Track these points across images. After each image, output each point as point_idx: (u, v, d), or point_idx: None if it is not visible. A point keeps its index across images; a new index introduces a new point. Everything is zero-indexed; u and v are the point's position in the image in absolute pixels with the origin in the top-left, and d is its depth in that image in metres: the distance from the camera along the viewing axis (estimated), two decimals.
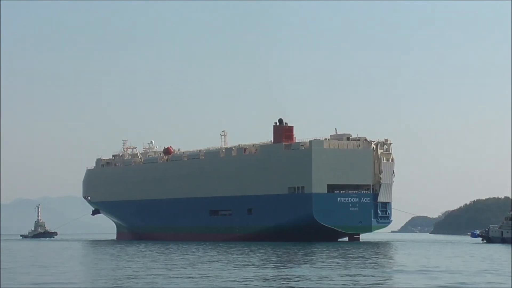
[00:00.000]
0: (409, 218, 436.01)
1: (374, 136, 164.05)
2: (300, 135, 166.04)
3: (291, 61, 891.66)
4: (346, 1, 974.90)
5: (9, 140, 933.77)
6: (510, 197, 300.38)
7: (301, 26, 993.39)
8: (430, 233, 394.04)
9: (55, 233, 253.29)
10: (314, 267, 67.18)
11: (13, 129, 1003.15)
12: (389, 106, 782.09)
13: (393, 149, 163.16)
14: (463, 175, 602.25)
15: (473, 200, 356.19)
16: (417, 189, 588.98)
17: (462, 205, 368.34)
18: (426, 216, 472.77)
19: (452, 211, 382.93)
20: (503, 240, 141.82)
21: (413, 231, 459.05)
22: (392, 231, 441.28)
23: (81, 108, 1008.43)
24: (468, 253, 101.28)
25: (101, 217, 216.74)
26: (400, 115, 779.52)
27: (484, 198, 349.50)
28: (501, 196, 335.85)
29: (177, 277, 56.86)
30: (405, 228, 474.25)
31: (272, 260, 78.37)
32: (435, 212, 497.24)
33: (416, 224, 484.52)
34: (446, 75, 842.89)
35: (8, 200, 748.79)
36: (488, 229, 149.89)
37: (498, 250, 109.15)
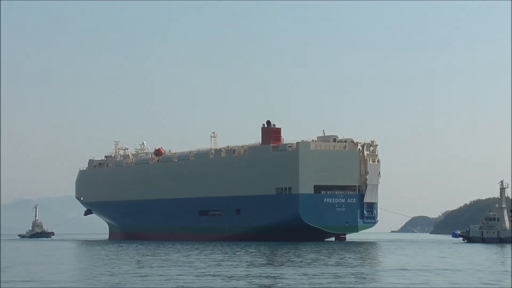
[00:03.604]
0: (409, 218, 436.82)
1: (363, 137, 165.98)
2: (288, 137, 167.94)
3: (280, 63, 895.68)
4: (334, 2, 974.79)
5: (9, 140, 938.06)
6: (510, 197, 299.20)
7: (289, 28, 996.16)
8: (430, 233, 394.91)
9: (52, 233, 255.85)
10: (273, 267, 68.98)
11: (13, 129, 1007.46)
12: (384, 107, 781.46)
13: (379, 150, 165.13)
14: (463, 175, 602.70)
15: (473, 200, 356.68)
16: (417, 190, 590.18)
17: (462, 205, 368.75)
18: (426, 216, 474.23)
19: (452, 211, 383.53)
20: (483, 240, 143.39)
21: (413, 231, 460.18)
22: (392, 231, 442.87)
23: (76, 109, 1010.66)
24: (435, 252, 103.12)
25: (97, 217, 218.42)
26: (396, 116, 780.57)
27: (484, 198, 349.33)
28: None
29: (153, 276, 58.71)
30: (405, 228, 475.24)
31: (245, 260, 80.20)
32: (435, 212, 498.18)
33: (416, 224, 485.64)
34: (439, 74, 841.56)
35: (8, 200, 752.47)
36: (469, 229, 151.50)
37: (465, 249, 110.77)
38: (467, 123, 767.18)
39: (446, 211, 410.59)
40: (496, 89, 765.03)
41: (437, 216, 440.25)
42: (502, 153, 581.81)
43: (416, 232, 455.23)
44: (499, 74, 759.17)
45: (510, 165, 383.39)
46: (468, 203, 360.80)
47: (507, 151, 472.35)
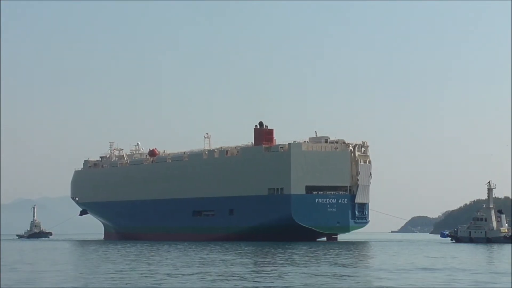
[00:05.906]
0: (407, 220, 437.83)
1: (354, 139, 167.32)
2: (280, 138, 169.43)
3: (273, 64, 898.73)
4: (326, 2, 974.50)
5: (9, 140, 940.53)
6: (510, 197, 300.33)
7: (282, 29, 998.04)
8: (430, 233, 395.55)
9: (50, 233, 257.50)
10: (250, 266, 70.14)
11: (12, 129, 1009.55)
12: (376, 108, 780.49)
13: (371, 151, 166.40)
14: (463, 175, 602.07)
15: (473, 200, 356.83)
16: (416, 190, 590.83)
17: (462, 205, 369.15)
18: (426, 216, 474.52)
19: (452, 211, 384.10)
20: (471, 240, 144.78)
21: (413, 231, 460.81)
22: (392, 231, 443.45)
23: (74, 110, 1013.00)
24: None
25: (93, 217, 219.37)
26: (395, 116, 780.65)
27: (484, 198, 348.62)
28: (501, 196, 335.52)
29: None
30: (405, 228, 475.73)
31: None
32: (435, 212, 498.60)
33: (416, 224, 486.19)
34: (433, 73, 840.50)
35: (8, 200, 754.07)
36: (457, 229, 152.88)
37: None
38: (466, 123, 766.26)
39: (446, 211, 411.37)
40: (495, 86, 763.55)
41: (437, 216, 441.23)
42: (503, 152, 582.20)
43: (416, 232, 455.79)
44: (498, 73, 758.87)
45: (510, 165, 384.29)
46: (468, 203, 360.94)
47: (507, 150, 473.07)
